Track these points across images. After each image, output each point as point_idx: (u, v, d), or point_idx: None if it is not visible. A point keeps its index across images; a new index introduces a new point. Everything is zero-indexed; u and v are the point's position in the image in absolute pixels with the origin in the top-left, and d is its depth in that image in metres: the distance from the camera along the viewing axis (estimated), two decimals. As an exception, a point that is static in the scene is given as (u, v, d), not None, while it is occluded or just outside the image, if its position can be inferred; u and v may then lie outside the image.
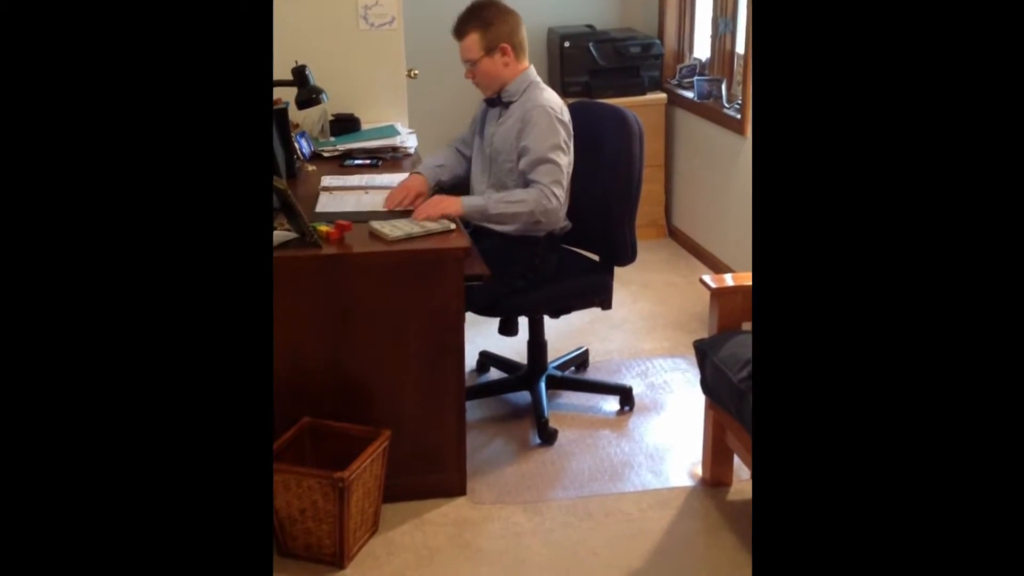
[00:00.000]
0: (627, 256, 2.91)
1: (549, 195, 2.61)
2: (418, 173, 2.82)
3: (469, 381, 3.21)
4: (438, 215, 2.54)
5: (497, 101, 2.79)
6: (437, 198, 2.65)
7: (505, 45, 2.72)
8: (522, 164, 2.67)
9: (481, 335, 3.28)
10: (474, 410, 2.97)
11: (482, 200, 2.64)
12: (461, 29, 2.73)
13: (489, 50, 2.71)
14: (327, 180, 2.93)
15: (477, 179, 2.85)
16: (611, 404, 3.10)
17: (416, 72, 3.80)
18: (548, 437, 2.87)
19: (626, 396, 3.09)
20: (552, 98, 2.73)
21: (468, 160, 2.94)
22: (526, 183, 2.67)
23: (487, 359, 3.30)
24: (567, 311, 3.01)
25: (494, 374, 3.27)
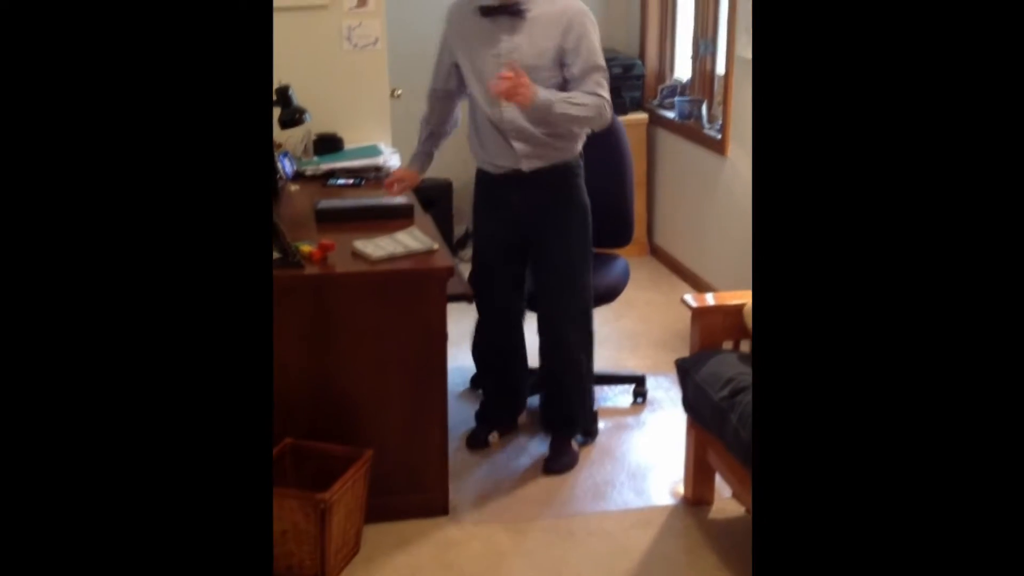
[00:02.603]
0: (630, 233, 3.15)
1: (606, 105, 2.52)
2: (409, 168, 2.85)
3: (465, 397, 3.23)
4: (512, 98, 2.39)
5: (507, 9, 2.50)
6: (515, 80, 2.37)
7: None
8: (576, 69, 2.50)
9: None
10: (457, 427, 2.97)
11: (551, 96, 2.45)
12: None
13: None
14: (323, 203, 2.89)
15: (491, 102, 2.55)
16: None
17: (399, 92, 3.82)
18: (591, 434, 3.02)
19: (639, 385, 3.26)
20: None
21: (454, 95, 2.78)
22: (571, 87, 2.51)
23: None
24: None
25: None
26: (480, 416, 3.01)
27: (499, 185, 2.68)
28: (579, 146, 2.68)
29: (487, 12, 2.52)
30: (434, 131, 2.84)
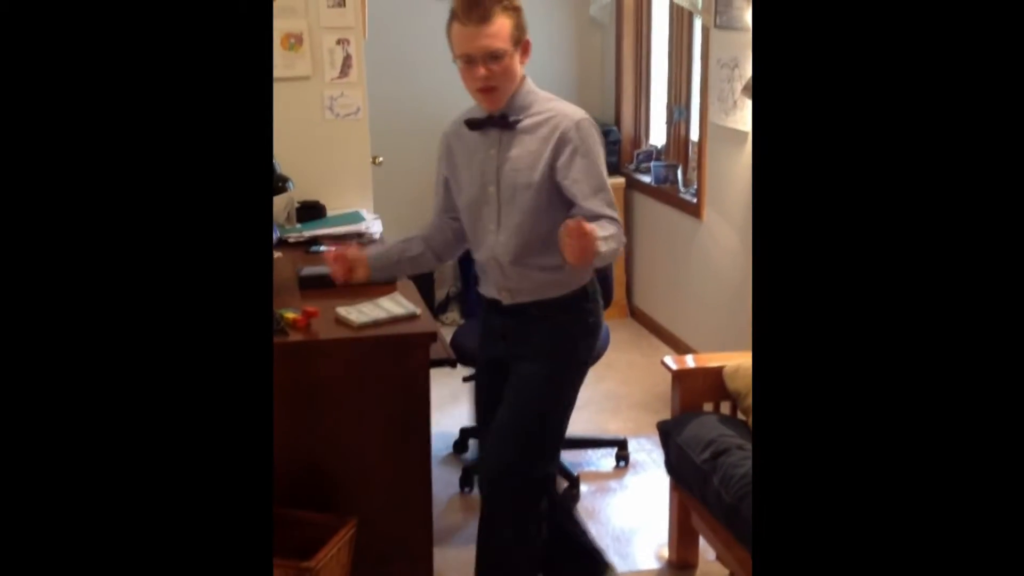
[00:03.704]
0: (611, 297, 3.00)
1: (622, 228, 2.09)
2: (362, 252, 2.35)
3: (449, 462, 3.23)
4: (589, 245, 1.89)
5: (495, 122, 2.14)
6: (584, 235, 1.88)
7: (528, 40, 2.12)
8: (576, 189, 2.07)
9: (458, 412, 3.29)
10: (441, 492, 2.95)
11: (601, 243, 1.96)
12: (488, 9, 2.02)
13: (517, 43, 2.08)
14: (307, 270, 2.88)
15: (482, 227, 2.20)
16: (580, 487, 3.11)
17: (381, 159, 3.89)
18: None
19: (621, 449, 3.28)
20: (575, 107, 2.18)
21: (453, 223, 2.33)
22: (575, 211, 2.07)
23: (467, 435, 3.32)
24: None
25: (474, 449, 3.30)
26: None
27: (489, 308, 2.31)
28: (584, 277, 2.21)
29: (474, 126, 2.17)
30: (413, 241, 2.36)
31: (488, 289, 2.27)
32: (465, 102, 2.23)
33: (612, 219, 2.05)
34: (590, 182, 2.07)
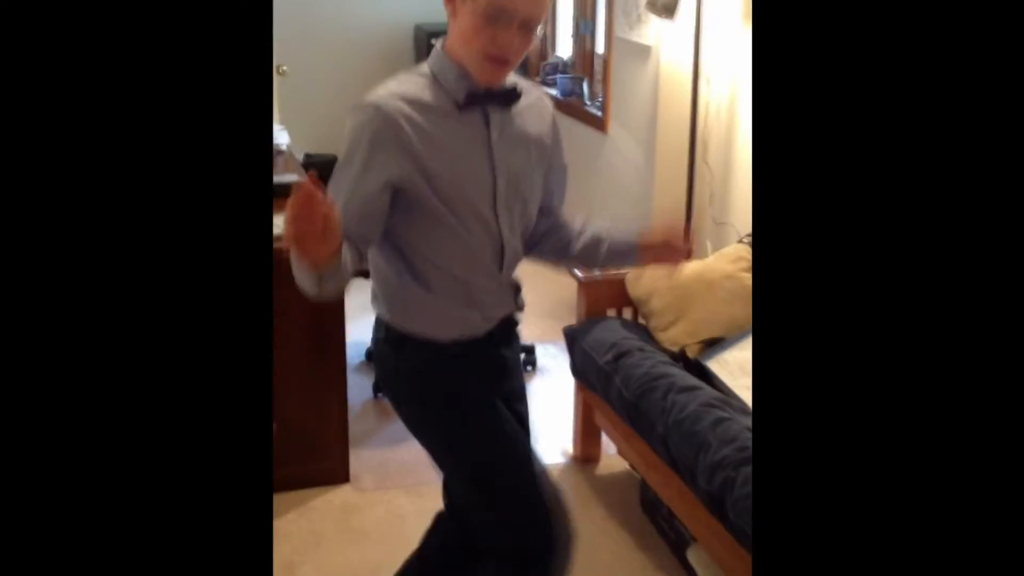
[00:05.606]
0: None
1: None
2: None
3: (362, 370, 3.30)
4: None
5: (499, 97, 1.66)
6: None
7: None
8: (556, 188, 1.90)
9: (371, 322, 3.36)
10: (355, 399, 3.04)
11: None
12: None
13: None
14: None
15: (489, 233, 1.71)
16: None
17: (285, 68, 3.83)
18: None
19: (529, 354, 3.40)
20: None
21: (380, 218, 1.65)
22: (546, 208, 1.89)
23: None
24: None
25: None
26: None
27: (485, 343, 1.80)
28: None
29: (476, 100, 1.63)
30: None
31: (487, 313, 1.79)
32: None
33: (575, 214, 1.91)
34: (564, 167, 1.90)
